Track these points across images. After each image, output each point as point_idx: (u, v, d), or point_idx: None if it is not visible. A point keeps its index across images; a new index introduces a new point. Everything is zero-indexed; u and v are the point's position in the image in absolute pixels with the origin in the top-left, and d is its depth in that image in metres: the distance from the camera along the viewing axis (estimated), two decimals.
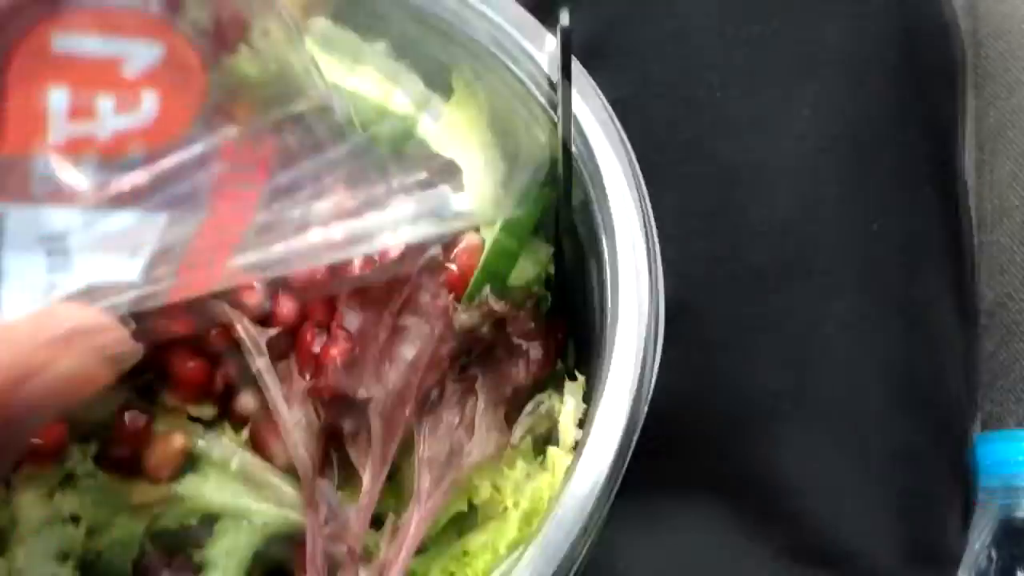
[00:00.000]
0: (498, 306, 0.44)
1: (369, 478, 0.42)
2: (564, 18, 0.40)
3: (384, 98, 0.47)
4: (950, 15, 0.55)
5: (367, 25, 0.48)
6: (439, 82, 0.49)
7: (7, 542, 0.42)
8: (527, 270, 0.47)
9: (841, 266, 0.48)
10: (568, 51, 0.40)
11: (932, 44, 0.52)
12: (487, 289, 0.44)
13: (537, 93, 0.45)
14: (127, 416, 0.42)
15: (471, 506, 0.44)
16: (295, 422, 0.42)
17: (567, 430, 0.44)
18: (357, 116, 0.46)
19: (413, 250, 0.43)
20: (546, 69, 0.44)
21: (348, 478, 0.43)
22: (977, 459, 0.54)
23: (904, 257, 0.49)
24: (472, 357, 0.44)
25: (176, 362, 0.42)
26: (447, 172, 0.44)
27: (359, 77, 0.47)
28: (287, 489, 0.43)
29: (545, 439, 0.45)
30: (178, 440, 0.43)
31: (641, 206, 0.43)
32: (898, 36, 0.50)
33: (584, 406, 0.44)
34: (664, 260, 0.47)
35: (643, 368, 0.41)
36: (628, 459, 0.41)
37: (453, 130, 0.47)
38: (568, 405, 0.44)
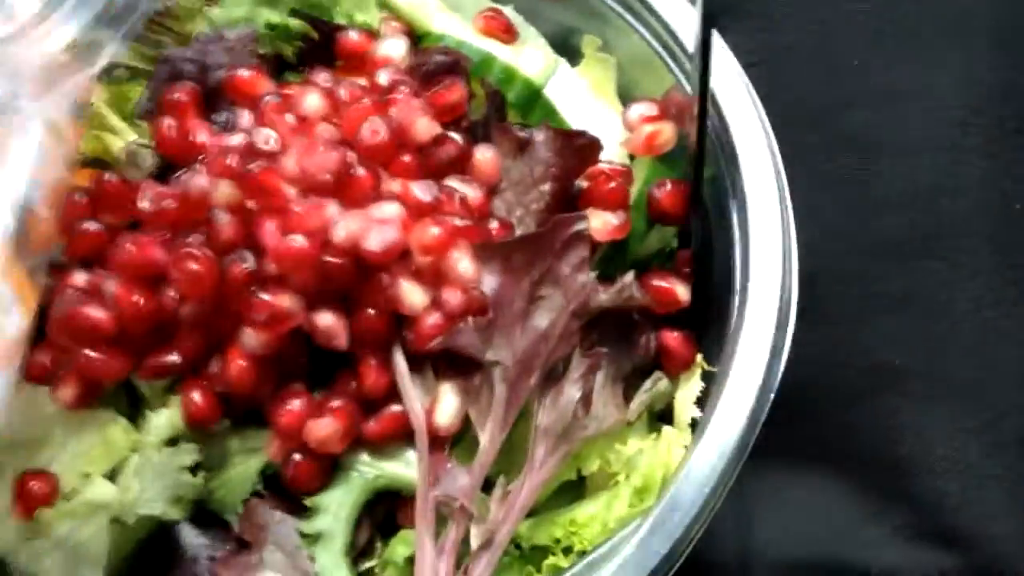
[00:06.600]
0: (640, 295, 0.43)
1: (487, 440, 0.42)
2: None
3: (513, 60, 0.46)
4: None
5: None
6: (568, 46, 0.48)
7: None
8: (651, 245, 0.46)
9: (978, 245, 0.46)
10: (709, 21, 0.38)
11: None
12: (631, 274, 0.43)
13: (668, 60, 0.44)
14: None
15: (579, 476, 0.44)
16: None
17: (683, 409, 0.43)
18: (486, 75, 0.45)
19: (558, 219, 0.42)
20: (680, 37, 0.43)
21: (461, 438, 0.43)
22: None
23: None
24: (598, 332, 0.43)
25: None
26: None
27: (487, 39, 0.47)
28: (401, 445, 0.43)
29: (659, 416, 0.45)
30: None
31: (777, 180, 0.42)
32: None
33: (702, 385, 0.43)
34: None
35: (774, 350, 0.41)
36: (751, 445, 0.40)
37: (581, 95, 0.47)
38: (686, 384, 0.44)
